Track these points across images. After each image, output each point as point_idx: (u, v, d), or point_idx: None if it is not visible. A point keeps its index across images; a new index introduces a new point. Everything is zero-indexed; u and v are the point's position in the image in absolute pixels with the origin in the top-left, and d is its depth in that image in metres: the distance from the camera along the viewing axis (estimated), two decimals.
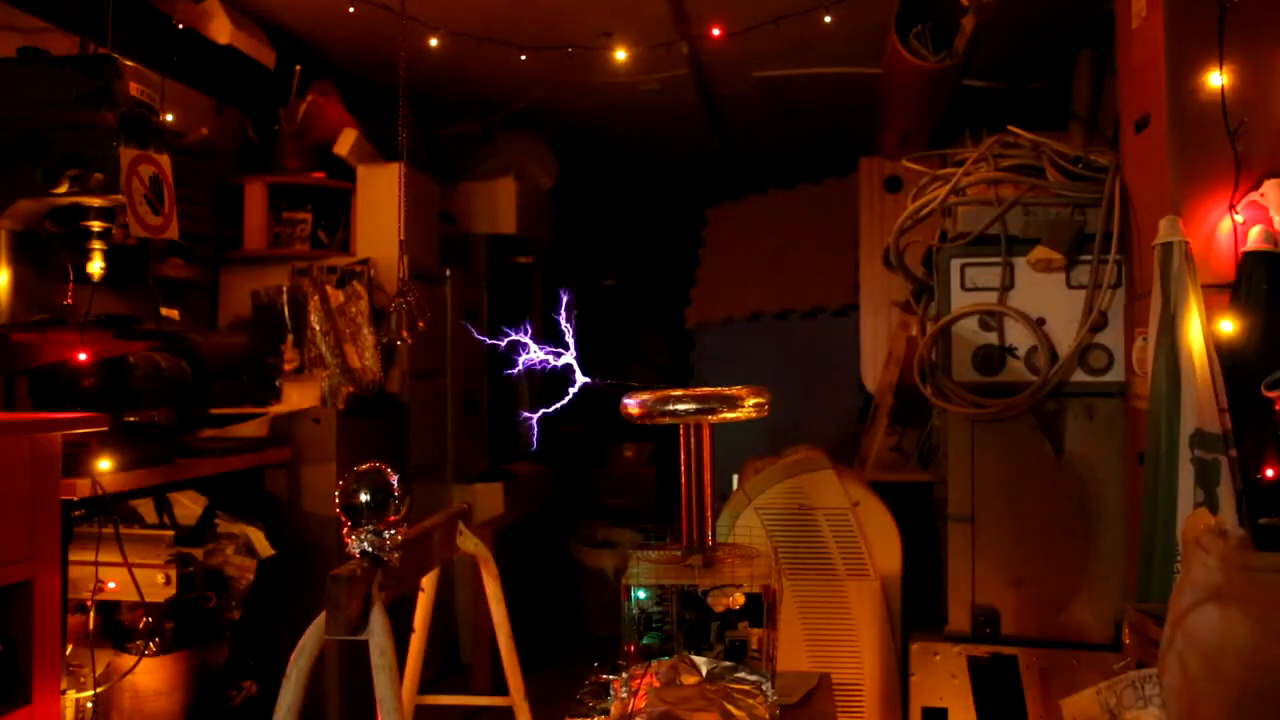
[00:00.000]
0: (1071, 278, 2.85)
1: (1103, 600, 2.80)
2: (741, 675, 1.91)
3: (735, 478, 3.30)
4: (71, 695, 2.47)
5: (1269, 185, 2.21)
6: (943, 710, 2.89)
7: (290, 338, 3.73)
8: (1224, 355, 2.19)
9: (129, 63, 2.42)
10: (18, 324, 2.56)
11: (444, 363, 4.45)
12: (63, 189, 2.36)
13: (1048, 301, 2.86)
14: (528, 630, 3.79)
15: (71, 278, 2.48)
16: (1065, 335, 2.84)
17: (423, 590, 2.37)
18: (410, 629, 2.38)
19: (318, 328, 3.69)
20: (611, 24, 3.99)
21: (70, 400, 2.48)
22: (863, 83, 4.44)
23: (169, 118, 3.37)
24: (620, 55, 4.04)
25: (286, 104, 4.07)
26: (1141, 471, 2.46)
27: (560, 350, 2.22)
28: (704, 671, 1.91)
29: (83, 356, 2.46)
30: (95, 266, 2.50)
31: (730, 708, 1.78)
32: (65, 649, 2.41)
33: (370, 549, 1.72)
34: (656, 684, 1.85)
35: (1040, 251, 2.83)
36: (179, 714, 2.71)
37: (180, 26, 3.51)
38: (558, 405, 2.27)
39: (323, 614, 1.62)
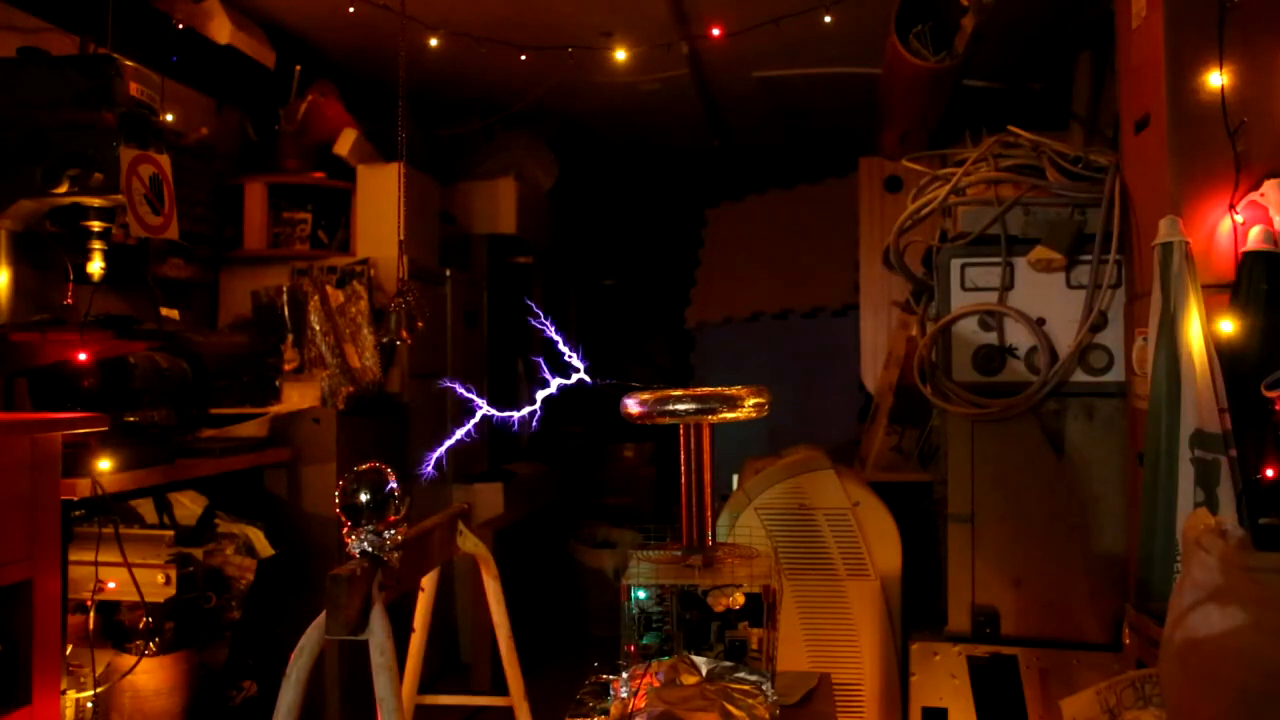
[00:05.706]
0: (1071, 278, 2.85)
1: (1103, 600, 2.80)
2: (741, 675, 1.91)
3: (735, 478, 3.30)
4: (71, 695, 2.47)
5: (1269, 185, 2.21)
6: (943, 710, 2.89)
7: (290, 338, 3.73)
8: (1224, 355, 2.19)
9: (129, 63, 2.42)
10: (18, 324, 2.56)
11: (444, 363, 4.45)
12: (63, 189, 2.36)
13: (1048, 301, 2.86)
14: (528, 630, 3.79)
15: (71, 278, 2.48)
16: (1065, 335, 2.84)
17: (423, 590, 2.37)
18: (410, 629, 2.38)
19: (318, 328, 3.69)
20: (611, 24, 3.99)
21: (70, 400, 2.48)
22: (863, 83, 4.44)
23: (169, 118, 3.37)
24: (620, 55, 4.04)
25: (286, 104, 4.07)
26: (1141, 471, 2.46)
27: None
28: (704, 671, 1.91)
29: (83, 356, 2.46)
30: (95, 266, 2.49)
31: (730, 708, 1.78)
32: (65, 649, 2.41)
33: (370, 549, 1.72)
34: (656, 684, 1.85)
35: (1040, 251, 2.83)
36: (179, 714, 2.71)
37: (180, 26, 3.51)
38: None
39: (323, 614, 1.62)
